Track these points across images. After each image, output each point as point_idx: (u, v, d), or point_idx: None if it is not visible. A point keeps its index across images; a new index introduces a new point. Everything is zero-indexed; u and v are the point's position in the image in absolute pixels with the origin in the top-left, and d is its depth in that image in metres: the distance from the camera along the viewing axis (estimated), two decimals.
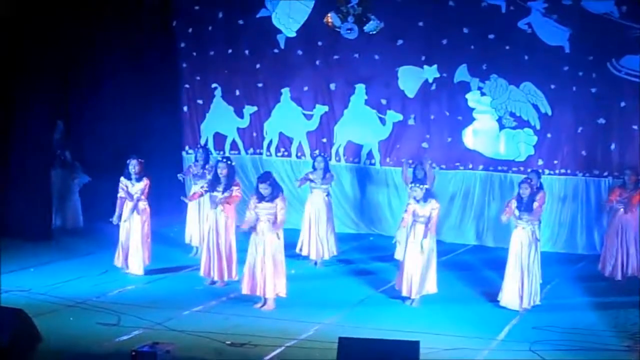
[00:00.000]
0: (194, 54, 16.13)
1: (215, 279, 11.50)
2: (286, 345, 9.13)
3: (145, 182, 11.99)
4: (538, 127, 14.46)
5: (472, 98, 14.76)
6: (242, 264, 10.81)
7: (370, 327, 9.62)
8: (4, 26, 13.40)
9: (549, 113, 14.40)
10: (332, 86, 15.53)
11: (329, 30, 15.17)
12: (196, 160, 13.36)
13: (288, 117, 15.85)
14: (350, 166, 15.62)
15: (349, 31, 15.03)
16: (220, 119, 16.19)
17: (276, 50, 15.69)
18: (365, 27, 14.96)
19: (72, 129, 15.01)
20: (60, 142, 14.82)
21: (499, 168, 14.75)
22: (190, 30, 16.04)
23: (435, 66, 14.86)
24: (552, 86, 14.31)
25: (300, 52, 15.60)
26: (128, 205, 11.97)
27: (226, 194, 11.37)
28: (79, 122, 15.05)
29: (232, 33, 15.80)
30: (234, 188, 11.43)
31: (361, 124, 15.46)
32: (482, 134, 14.83)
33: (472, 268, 13.01)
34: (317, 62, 15.56)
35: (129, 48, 15.21)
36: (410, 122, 15.17)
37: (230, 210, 11.47)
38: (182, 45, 16.13)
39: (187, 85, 16.30)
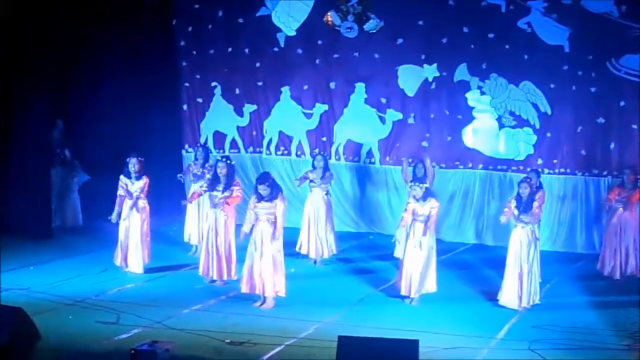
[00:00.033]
0: (194, 52, 16.13)
1: (214, 278, 11.50)
2: (285, 344, 9.13)
3: (144, 180, 12.00)
4: (537, 126, 14.47)
5: (472, 97, 14.76)
6: (242, 263, 10.82)
7: (370, 326, 9.61)
8: (4, 26, 13.40)
9: (549, 112, 14.40)
10: (332, 85, 15.53)
11: (328, 29, 15.18)
12: (196, 159, 13.36)
13: (288, 116, 15.85)
14: (350, 165, 15.63)
15: (348, 30, 15.03)
16: (220, 117, 16.19)
17: (276, 49, 15.69)
18: (365, 26, 14.97)
19: (72, 128, 15.02)
20: (60, 141, 14.83)
21: (499, 167, 14.76)
22: (190, 28, 16.04)
23: (435, 65, 14.86)
24: (552, 85, 14.32)
25: (300, 51, 15.60)
26: (127, 203, 11.98)
27: (226, 194, 11.37)
28: (78, 121, 15.05)
29: (232, 31, 15.80)
30: (235, 188, 11.42)
31: (361, 123, 15.46)
32: (482, 133, 14.83)
33: (472, 267, 13.02)
34: (317, 61, 15.56)
35: (129, 46, 15.21)
36: (410, 121, 15.18)
37: (229, 210, 11.47)
38: (182, 43, 16.13)
39: (186, 84, 16.30)
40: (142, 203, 12.02)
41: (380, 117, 15.32)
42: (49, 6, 13.64)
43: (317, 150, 15.27)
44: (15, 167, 13.92)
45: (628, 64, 13.78)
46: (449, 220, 14.90)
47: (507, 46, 14.41)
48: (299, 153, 15.86)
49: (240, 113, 16.10)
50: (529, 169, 13.34)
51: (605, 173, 14.19)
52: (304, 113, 15.75)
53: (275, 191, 10.44)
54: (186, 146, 16.29)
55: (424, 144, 14.99)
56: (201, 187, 12.05)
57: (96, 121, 14.75)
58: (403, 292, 10.82)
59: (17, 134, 13.92)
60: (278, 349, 8.98)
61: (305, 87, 15.67)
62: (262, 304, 10.53)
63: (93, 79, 14.87)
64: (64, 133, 14.89)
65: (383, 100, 15.29)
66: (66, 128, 14.92)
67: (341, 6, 15.02)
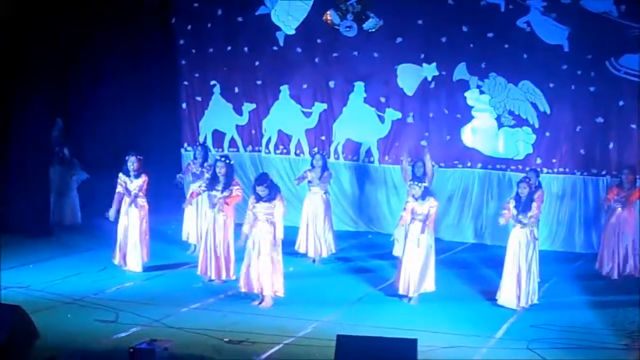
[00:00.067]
0: (193, 51, 16.12)
1: (213, 277, 11.49)
2: (284, 343, 9.13)
3: (143, 178, 11.99)
4: (537, 126, 14.46)
5: (471, 96, 14.76)
6: (240, 262, 10.82)
7: (369, 325, 9.61)
8: (4, 26, 13.40)
9: (548, 112, 14.40)
10: (331, 84, 15.53)
11: (328, 27, 15.18)
12: (195, 158, 13.35)
13: (287, 115, 15.84)
14: (349, 164, 15.62)
15: (348, 29, 15.03)
16: (219, 116, 16.18)
17: (275, 48, 15.68)
18: (364, 25, 14.97)
19: (71, 126, 15.02)
20: (59, 140, 14.84)
21: (498, 166, 14.76)
22: (189, 27, 16.03)
23: (434, 64, 14.85)
24: (551, 85, 14.32)
25: (299, 50, 15.59)
26: (126, 201, 11.97)
27: (225, 193, 11.36)
28: (77, 120, 15.06)
29: (231, 30, 15.79)
30: (234, 188, 11.40)
31: (360, 122, 15.46)
32: (481, 132, 14.83)
33: (470, 266, 13.02)
34: (316, 60, 15.56)
35: (128, 45, 15.22)
36: (409, 120, 15.18)
37: (228, 209, 11.47)
38: (181, 42, 16.11)
39: (185, 83, 16.29)
40: (142, 201, 12.02)
41: (379, 116, 15.32)
42: (49, 6, 13.64)
43: (316, 149, 15.26)
44: (15, 165, 13.93)
45: (627, 64, 13.78)
46: (447, 220, 14.89)
47: (506, 45, 14.41)
48: (298, 152, 15.86)
49: (239, 112, 16.09)
50: (528, 169, 13.35)
51: (604, 173, 14.19)
52: (303, 112, 15.75)
53: (273, 192, 10.44)
54: (185, 145, 16.27)
55: (423, 143, 14.97)
56: (200, 186, 12.03)
57: (95, 120, 14.77)
58: (401, 291, 10.82)
59: (17, 133, 13.92)
60: (277, 347, 8.98)
61: (305, 86, 15.67)
62: (260, 303, 10.53)
63: (92, 78, 14.89)
64: (64, 131, 14.90)
65: (382, 99, 15.29)
66: (66, 126, 14.92)
67: (340, 5, 15.02)
